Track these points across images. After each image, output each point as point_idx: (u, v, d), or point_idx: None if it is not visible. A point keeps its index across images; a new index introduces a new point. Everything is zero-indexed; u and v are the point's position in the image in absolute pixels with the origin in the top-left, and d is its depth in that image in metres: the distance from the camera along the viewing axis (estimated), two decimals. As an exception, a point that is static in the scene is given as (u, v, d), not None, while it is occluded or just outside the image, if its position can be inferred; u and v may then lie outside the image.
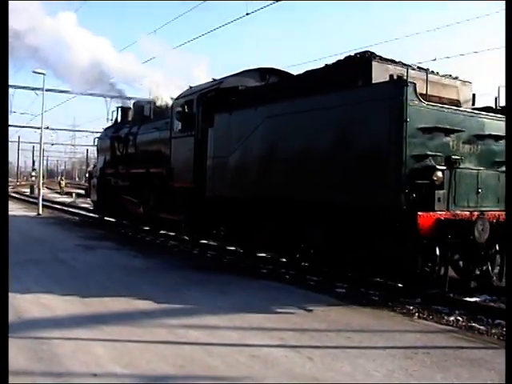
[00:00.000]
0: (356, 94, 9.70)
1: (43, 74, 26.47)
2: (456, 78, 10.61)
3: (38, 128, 30.24)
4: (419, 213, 8.41)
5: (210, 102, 13.92)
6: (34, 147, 60.02)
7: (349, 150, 9.57)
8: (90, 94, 33.98)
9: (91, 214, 26.03)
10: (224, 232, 14.42)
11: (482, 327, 7.61)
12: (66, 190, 48.60)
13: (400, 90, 8.64)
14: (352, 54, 10.37)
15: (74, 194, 40.84)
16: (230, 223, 13.59)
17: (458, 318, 8.05)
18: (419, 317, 8.09)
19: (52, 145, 77.49)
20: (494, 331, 7.41)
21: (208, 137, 13.53)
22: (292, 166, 10.88)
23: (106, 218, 22.80)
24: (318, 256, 10.97)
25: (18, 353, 5.66)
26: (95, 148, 64.70)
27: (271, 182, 11.43)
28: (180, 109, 14.91)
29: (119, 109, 22.77)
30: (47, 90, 29.27)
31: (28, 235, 16.56)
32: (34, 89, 30.77)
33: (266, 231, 12.01)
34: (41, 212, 26.54)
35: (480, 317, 8.00)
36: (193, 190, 14.22)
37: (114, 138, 21.04)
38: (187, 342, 6.36)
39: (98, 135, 25.43)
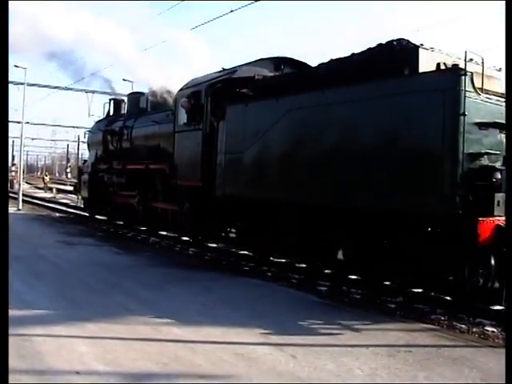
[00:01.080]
0: (403, 84, 8.74)
1: (25, 68, 26.25)
2: (500, 69, 9.48)
3: (19, 122, 29.87)
4: (480, 218, 7.57)
5: (221, 92, 12.98)
6: (13, 142, 59.27)
7: (392, 147, 8.61)
8: (71, 89, 33.77)
9: (72, 210, 25.89)
10: (236, 234, 13.59)
11: (463, 326, 7.68)
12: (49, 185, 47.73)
13: (457, 80, 7.79)
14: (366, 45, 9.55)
15: (54, 190, 40.50)
16: (244, 226, 12.68)
17: (440, 316, 8.12)
18: (401, 315, 8.14)
19: (33, 139, 76.72)
20: (474, 330, 7.49)
21: (218, 131, 12.55)
22: (320, 166, 9.79)
23: (92, 216, 21.78)
24: (350, 266, 10.11)
25: (0, 350, 5.61)
26: (75, 143, 62.86)
27: (295, 182, 10.37)
28: (186, 100, 13.98)
29: (111, 101, 21.76)
30: (29, 85, 28.91)
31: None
32: (17, 83, 30.32)
33: (288, 236, 11.03)
34: (21, 207, 26.31)
35: (461, 316, 8.06)
36: (199, 189, 13.26)
37: (107, 131, 19.91)
38: (171, 339, 6.35)
39: (89, 128, 23.88)
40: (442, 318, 8.03)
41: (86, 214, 22.75)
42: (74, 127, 55.87)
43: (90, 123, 25.02)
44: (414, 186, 8.24)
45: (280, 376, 5.34)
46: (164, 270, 11.14)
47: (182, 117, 14.13)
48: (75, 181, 58.92)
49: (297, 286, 10.06)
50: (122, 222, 19.37)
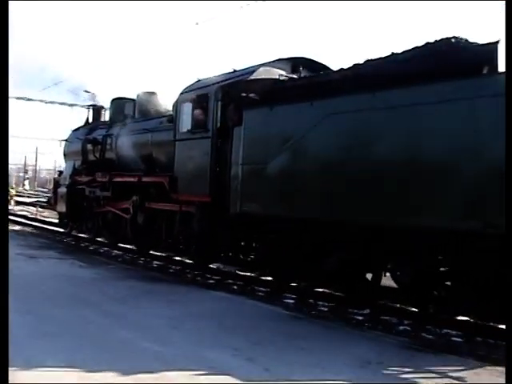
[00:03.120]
0: (485, 84, 7.30)
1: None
2: None
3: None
4: None
5: (234, 95, 11.45)
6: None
7: (472, 158, 7.23)
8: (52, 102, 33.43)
9: (31, 222, 25.40)
10: (258, 258, 12.08)
11: (430, 336, 7.82)
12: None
13: None
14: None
15: (12, 201, 39.64)
16: (265, 247, 11.11)
17: (407, 327, 8.24)
18: (369, 327, 8.22)
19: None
20: (441, 340, 7.63)
21: (233, 138, 10.93)
22: (377, 180, 8.31)
23: (69, 233, 20.03)
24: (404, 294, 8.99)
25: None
26: (33, 154, 61.29)
27: (340, 199, 8.90)
28: (190, 105, 12.57)
29: (91, 108, 20.44)
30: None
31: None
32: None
33: (327, 260, 9.54)
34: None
35: (428, 327, 8.18)
36: (208, 205, 11.85)
37: (87, 140, 18.18)
38: (142, 353, 6.26)
39: (66, 137, 21.70)
40: (410, 329, 8.16)
41: (49, 227, 22.35)
42: (28, 138, 54.92)
43: (49, 134, 24.24)
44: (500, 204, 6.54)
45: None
46: (128, 283, 10.98)
47: (185, 123, 12.62)
48: (33, 193, 58.07)
49: (264, 299, 10.07)
50: (106, 241, 17.86)
